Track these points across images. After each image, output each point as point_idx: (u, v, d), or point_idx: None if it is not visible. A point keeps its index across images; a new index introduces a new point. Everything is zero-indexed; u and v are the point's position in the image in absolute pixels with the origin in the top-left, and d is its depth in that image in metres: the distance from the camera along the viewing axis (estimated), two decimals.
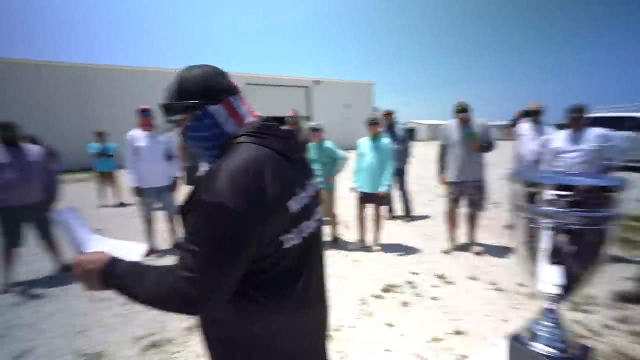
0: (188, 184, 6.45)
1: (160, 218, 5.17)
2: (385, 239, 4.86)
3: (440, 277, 3.73)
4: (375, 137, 4.36)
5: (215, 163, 0.89)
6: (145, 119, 4.45)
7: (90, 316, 3.18)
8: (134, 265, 0.92)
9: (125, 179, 5.27)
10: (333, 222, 4.76)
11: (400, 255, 4.39)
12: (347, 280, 3.71)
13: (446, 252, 4.38)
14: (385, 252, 4.49)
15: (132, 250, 1.05)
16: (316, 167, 4.45)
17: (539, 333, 1.33)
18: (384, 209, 5.24)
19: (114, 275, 0.89)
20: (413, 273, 3.84)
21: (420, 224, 5.68)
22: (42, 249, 4.11)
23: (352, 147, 5.24)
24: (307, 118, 23.15)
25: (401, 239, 4.98)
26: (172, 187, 4.63)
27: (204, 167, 1.03)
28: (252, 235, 0.83)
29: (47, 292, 3.67)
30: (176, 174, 4.70)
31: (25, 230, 3.85)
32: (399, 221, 5.88)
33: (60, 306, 3.38)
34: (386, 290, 3.47)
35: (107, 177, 8.16)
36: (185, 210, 0.89)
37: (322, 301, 1.08)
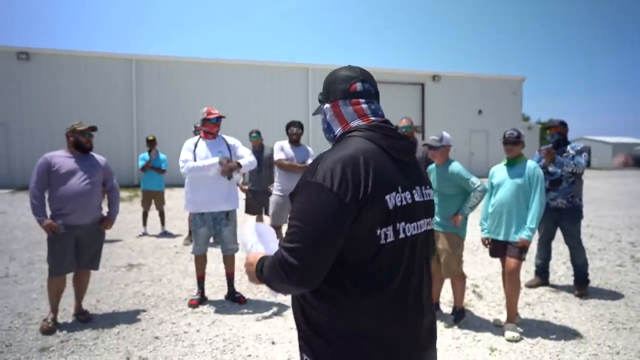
0: (247, 211, 5.40)
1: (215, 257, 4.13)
2: (549, 318, 3.23)
3: None
4: (513, 161, 3.04)
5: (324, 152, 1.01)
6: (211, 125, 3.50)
7: None
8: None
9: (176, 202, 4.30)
10: (458, 286, 3.12)
11: (560, 343, 2.79)
12: None
13: None
14: (544, 337, 2.88)
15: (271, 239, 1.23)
16: (436, 200, 2.97)
17: None
18: (523, 266, 3.41)
19: (260, 273, 1.02)
20: None
21: (601, 304, 3.54)
22: None
23: (486, 174, 3.57)
24: (418, 129, 16.41)
25: (569, 322, 3.16)
26: (230, 213, 3.56)
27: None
28: (346, 217, 0.91)
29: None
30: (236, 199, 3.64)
31: None
32: (563, 294, 3.80)
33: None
34: None
35: (153, 197, 6.54)
36: (294, 193, 0.99)
37: (419, 309, 1.04)
